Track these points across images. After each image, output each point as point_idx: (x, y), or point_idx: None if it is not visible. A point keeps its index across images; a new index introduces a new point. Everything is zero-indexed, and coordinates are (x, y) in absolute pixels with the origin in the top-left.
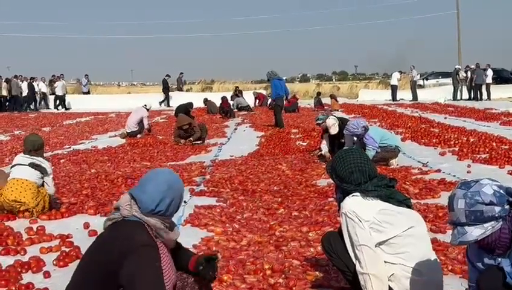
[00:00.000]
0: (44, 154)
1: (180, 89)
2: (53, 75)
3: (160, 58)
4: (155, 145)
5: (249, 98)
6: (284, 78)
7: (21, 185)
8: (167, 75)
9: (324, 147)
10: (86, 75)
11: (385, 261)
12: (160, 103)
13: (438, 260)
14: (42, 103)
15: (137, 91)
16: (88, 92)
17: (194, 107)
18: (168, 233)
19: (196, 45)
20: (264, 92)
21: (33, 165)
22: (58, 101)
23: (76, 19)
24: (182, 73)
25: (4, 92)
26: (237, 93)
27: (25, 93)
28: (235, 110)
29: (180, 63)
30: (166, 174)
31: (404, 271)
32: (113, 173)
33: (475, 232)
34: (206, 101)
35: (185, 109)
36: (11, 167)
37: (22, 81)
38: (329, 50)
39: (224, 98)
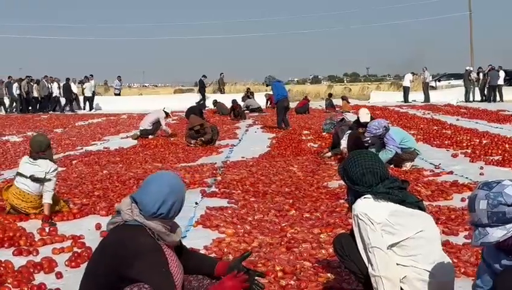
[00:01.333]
0: (57, 156)
1: (221, 91)
2: (85, 76)
3: (171, 59)
4: (166, 147)
5: (260, 100)
6: (296, 79)
7: (22, 197)
8: (203, 76)
9: (343, 142)
10: (119, 76)
11: (397, 264)
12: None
13: (451, 263)
14: (74, 103)
15: (149, 93)
16: (119, 94)
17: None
18: (170, 235)
19: (207, 46)
20: None
21: (33, 179)
22: (87, 102)
23: (84, 21)
24: (222, 73)
25: (35, 94)
26: (248, 94)
27: (54, 94)
28: (246, 111)
29: (190, 64)
30: (168, 177)
31: (416, 273)
32: (124, 174)
33: (497, 234)
34: (215, 103)
35: (197, 110)
36: (16, 174)
37: (53, 82)
38: (341, 52)
39: (234, 102)
